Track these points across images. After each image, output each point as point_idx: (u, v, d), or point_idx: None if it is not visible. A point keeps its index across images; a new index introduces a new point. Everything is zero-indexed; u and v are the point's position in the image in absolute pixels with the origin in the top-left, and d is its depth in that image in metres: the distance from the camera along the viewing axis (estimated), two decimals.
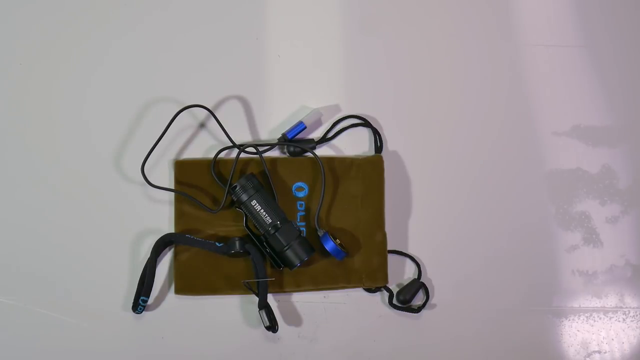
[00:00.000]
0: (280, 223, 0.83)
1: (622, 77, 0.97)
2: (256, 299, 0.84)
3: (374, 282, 0.88)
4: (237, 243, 0.83)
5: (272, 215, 0.83)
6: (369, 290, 0.89)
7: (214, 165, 0.87)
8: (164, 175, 0.89)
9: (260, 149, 0.88)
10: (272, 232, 0.83)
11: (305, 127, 0.89)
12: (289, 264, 0.84)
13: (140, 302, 0.83)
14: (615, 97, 0.96)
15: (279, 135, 0.90)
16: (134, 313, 0.84)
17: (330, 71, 0.94)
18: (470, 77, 0.95)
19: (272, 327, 0.83)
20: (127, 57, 0.91)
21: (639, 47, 0.98)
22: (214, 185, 0.87)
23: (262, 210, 0.83)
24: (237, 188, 0.84)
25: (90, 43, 0.92)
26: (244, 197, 0.83)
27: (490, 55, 0.96)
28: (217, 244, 0.84)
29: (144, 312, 0.85)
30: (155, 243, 0.85)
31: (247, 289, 0.85)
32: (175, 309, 0.87)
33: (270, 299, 0.86)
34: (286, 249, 0.83)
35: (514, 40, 0.97)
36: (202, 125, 0.90)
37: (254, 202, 0.83)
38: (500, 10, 0.98)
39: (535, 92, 0.96)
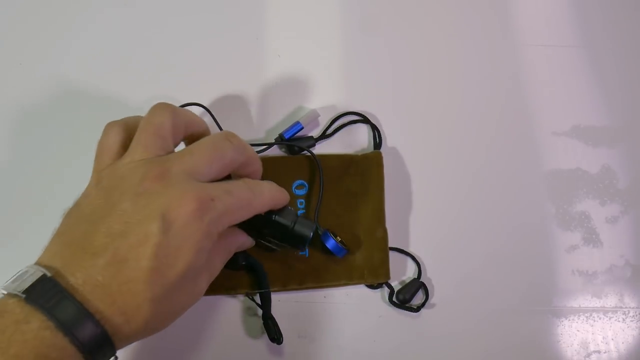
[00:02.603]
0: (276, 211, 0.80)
1: (622, 77, 0.97)
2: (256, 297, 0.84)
3: (376, 278, 0.88)
4: (238, 257, 0.83)
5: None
6: (370, 286, 0.89)
7: None
8: None
9: (257, 148, 0.88)
10: (272, 218, 0.79)
11: (302, 128, 0.90)
12: (301, 238, 0.79)
13: None
14: (615, 97, 0.97)
15: (277, 135, 0.90)
16: None
17: (329, 69, 0.94)
18: (469, 76, 0.96)
19: (277, 339, 0.83)
20: (127, 56, 0.92)
21: (639, 47, 0.98)
22: None
23: None
24: None
25: (88, 42, 0.92)
26: None
27: (490, 54, 0.96)
28: None
29: None
30: None
31: (250, 299, 0.84)
32: None
33: (271, 298, 0.86)
34: (293, 226, 0.79)
35: (513, 40, 0.97)
36: None
37: None
38: (499, 10, 0.98)
39: (534, 92, 0.96)
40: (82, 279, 0.51)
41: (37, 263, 0.55)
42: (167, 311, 0.60)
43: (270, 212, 0.80)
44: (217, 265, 0.69)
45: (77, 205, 0.61)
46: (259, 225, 0.83)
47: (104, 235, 0.53)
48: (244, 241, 0.79)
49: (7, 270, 0.58)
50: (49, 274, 0.51)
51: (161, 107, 0.66)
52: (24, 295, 0.50)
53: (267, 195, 0.69)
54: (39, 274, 0.52)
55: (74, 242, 0.54)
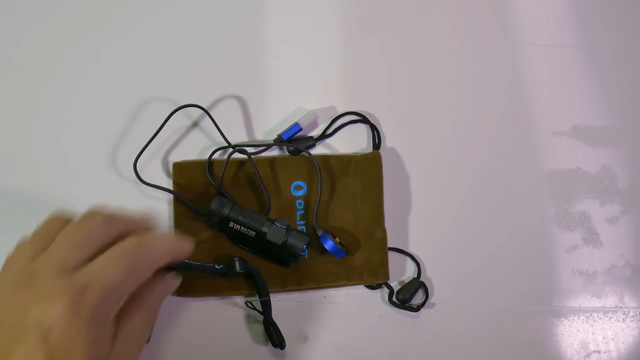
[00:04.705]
0: (265, 228, 0.82)
1: (621, 77, 0.97)
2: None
3: (376, 278, 0.88)
4: (237, 264, 0.83)
5: (253, 226, 0.82)
6: (370, 286, 0.89)
7: (209, 165, 0.87)
8: (163, 177, 0.89)
9: (256, 149, 0.88)
10: (262, 241, 0.82)
11: (301, 129, 0.90)
12: (293, 257, 0.83)
13: None
14: (615, 97, 0.96)
15: (276, 136, 0.90)
16: None
17: (329, 70, 0.94)
18: (469, 76, 0.96)
19: (280, 344, 0.83)
20: (127, 56, 0.92)
21: (639, 47, 0.98)
22: (213, 186, 0.87)
23: (242, 229, 0.82)
24: (207, 221, 0.82)
25: (88, 42, 0.92)
26: (221, 220, 0.82)
27: (489, 54, 0.96)
28: (216, 266, 0.84)
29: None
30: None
31: (251, 308, 0.85)
32: (176, 310, 0.87)
33: (271, 298, 0.86)
34: (284, 245, 0.82)
35: (512, 40, 0.97)
36: (205, 125, 0.90)
37: (231, 225, 0.82)
38: (499, 9, 0.98)
39: (534, 92, 0.96)
40: None
41: None
42: None
43: (261, 233, 0.82)
44: (140, 324, 0.63)
45: None
46: (251, 245, 0.85)
47: None
48: (166, 288, 0.71)
49: None
50: None
51: (92, 216, 0.62)
52: None
53: (158, 251, 0.64)
54: None
55: None
